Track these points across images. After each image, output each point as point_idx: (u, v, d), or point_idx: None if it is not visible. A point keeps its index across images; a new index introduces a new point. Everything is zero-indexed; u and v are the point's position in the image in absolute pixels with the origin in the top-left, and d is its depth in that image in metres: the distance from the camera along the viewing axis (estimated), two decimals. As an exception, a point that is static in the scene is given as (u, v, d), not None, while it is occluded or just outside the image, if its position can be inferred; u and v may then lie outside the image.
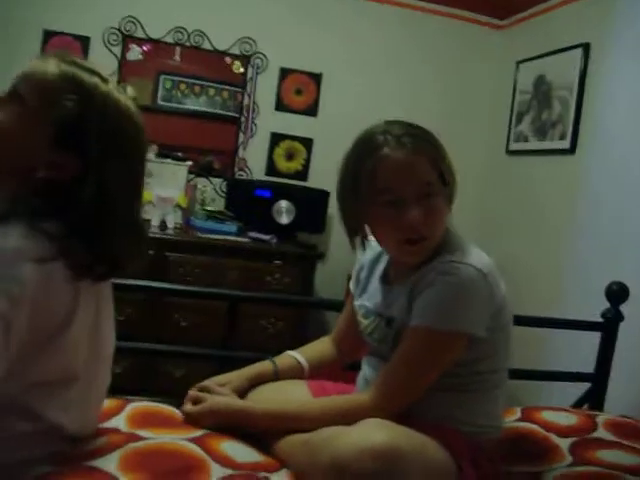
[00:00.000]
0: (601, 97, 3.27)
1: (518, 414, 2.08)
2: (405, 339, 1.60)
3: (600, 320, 2.39)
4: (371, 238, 1.71)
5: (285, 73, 4.23)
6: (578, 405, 2.36)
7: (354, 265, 1.91)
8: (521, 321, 2.76)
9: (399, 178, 1.57)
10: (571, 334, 2.70)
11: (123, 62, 4.01)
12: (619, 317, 2.36)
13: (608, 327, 2.37)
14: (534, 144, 3.85)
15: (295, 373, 1.91)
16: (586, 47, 3.48)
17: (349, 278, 1.97)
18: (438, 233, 1.62)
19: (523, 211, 3.86)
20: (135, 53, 4.03)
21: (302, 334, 3.45)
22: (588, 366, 2.43)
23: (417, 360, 1.59)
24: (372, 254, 1.85)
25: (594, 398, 2.38)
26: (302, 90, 4.25)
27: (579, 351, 2.45)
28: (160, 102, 4.06)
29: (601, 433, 2.01)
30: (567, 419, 2.07)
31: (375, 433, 1.38)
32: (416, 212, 1.56)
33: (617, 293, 2.34)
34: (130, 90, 1.40)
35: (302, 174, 4.26)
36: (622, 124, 3.10)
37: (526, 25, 4.13)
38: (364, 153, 1.61)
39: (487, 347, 1.63)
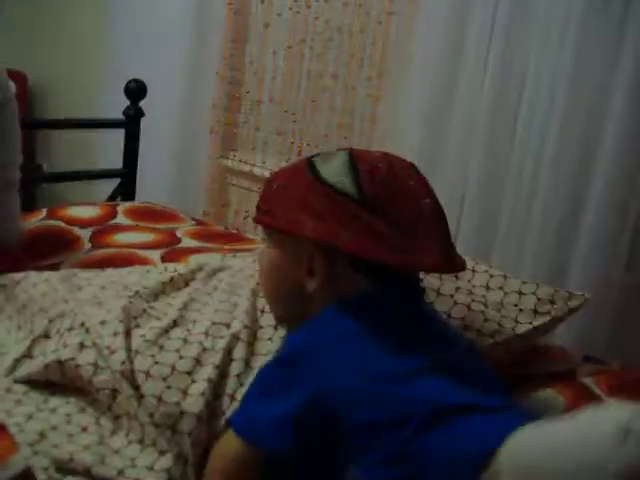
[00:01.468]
0: None
1: (44, 214, 2.13)
2: None
3: (122, 118, 2.48)
4: None
5: None
6: (110, 200, 2.47)
7: None
8: (49, 124, 2.79)
9: None
10: (107, 133, 2.74)
11: None
12: (139, 113, 2.47)
13: (130, 124, 2.47)
14: None
15: None
16: None
17: None
18: None
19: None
20: None
21: None
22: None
23: None
24: None
25: (125, 192, 2.51)
26: None
27: (116, 149, 2.51)
28: None
29: (120, 219, 2.14)
30: (90, 212, 2.17)
31: None
32: None
33: (135, 90, 2.43)
34: None
35: None
36: None
37: None
38: None
39: None
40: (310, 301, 1.10)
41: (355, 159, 1.08)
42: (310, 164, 1.09)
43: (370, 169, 1.06)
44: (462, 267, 1.13)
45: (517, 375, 1.39)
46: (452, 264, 1.11)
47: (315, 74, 2.64)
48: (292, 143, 2.69)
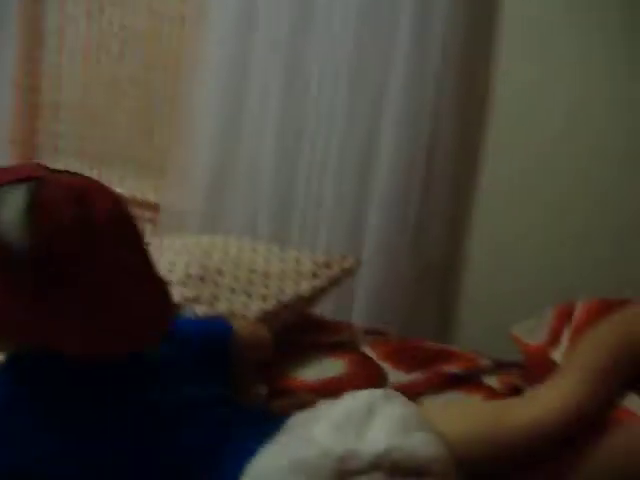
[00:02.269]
0: None
1: None
2: None
3: None
4: None
5: None
6: None
7: None
8: None
9: None
10: None
11: None
12: None
13: None
14: None
15: None
16: None
17: None
18: None
19: None
20: None
21: None
22: None
23: None
24: None
25: None
26: None
27: None
28: None
29: None
30: None
31: None
32: None
33: None
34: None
35: None
36: None
37: None
38: None
39: None
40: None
41: (36, 201, 0.84)
42: None
43: (53, 217, 0.84)
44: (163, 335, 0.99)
45: (301, 344, 1.56)
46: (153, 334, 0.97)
47: (113, 78, 2.68)
48: (94, 149, 2.71)
